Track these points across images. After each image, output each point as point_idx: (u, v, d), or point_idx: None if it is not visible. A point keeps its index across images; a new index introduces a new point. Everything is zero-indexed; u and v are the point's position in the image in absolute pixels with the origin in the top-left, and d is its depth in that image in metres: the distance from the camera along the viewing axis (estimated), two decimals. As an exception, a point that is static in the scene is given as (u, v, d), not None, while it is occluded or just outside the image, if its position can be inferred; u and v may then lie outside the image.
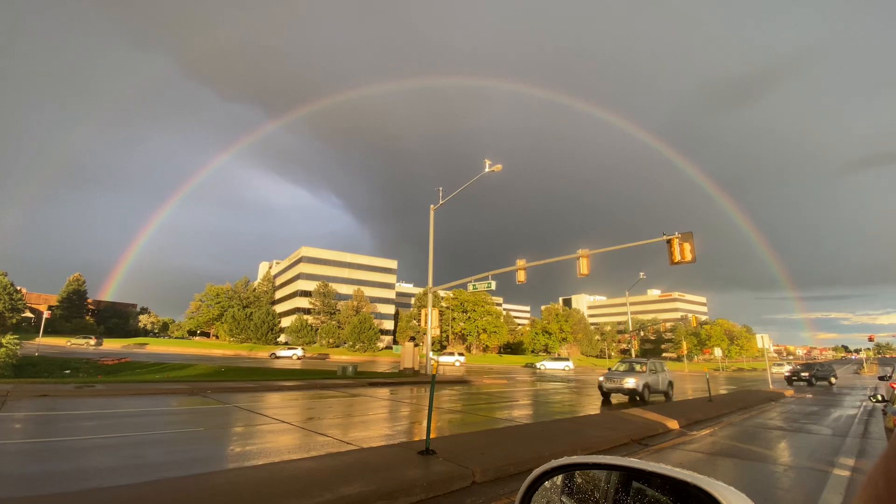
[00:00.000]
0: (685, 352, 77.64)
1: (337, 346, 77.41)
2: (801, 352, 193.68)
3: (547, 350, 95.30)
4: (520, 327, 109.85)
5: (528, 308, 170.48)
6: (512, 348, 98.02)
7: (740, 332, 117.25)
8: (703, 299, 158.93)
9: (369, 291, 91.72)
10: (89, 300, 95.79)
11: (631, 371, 19.73)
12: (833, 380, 34.38)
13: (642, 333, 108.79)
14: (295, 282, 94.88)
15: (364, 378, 23.36)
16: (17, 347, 18.89)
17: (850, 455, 8.97)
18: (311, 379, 21.61)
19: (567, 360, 58.15)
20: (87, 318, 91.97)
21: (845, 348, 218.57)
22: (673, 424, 11.61)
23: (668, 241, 19.90)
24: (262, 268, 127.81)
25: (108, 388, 14.55)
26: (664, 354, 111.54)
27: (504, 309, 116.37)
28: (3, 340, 18.46)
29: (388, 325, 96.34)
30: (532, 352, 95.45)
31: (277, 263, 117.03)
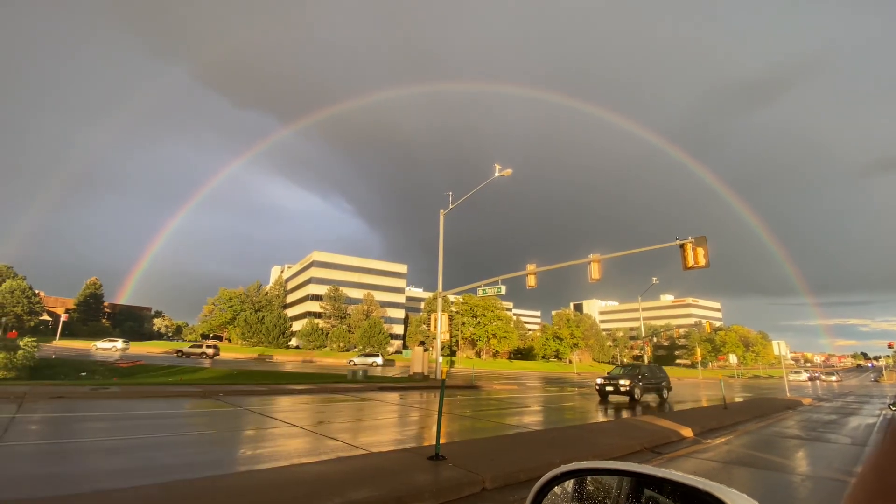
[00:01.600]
0: (699, 358, 76.50)
1: (347, 350, 77.68)
2: (818, 359, 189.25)
3: (558, 356, 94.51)
4: (530, 333, 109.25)
5: (538, 313, 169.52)
6: (522, 354, 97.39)
7: (756, 339, 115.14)
8: (717, 305, 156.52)
9: (379, 296, 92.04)
10: (105, 303, 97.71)
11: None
12: (665, 394, 22.76)
13: (655, 339, 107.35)
14: (306, 286, 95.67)
15: (374, 382, 23.38)
16: (35, 350, 19.28)
17: (872, 466, 8.69)
18: (321, 383, 21.70)
19: (377, 355, 56.29)
20: (104, 320, 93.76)
21: (864, 355, 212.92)
22: (687, 432, 11.40)
23: (681, 246, 19.65)
24: (274, 272, 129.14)
25: (122, 391, 14.77)
26: (678, 361, 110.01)
27: (514, 314, 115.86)
28: (21, 343, 18.86)
29: (398, 329, 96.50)
30: (543, 357, 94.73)
31: (289, 268, 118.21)
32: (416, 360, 28.88)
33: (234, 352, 64.36)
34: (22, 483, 5.68)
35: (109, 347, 51.08)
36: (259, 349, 72.41)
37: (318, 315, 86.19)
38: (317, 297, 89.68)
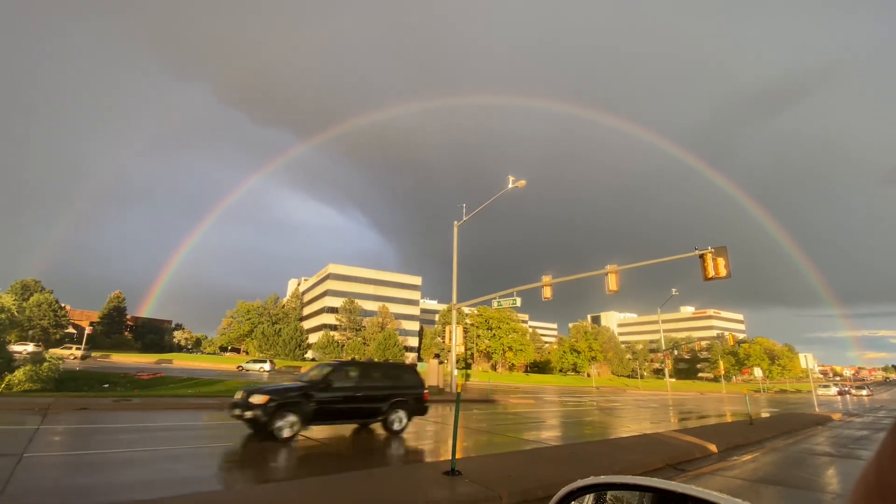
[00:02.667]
0: (722, 372, 74.35)
1: (362, 363, 77.77)
2: (848, 372, 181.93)
3: (576, 369, 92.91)
4: (547, 345, 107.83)
5: (555, 325, 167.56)
6: (539, 367, 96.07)
7: (781, 352, 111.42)
8: (739, 317, 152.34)
9: (394, 308, 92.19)
10: (128, 316, 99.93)
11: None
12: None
13: (676, 353, 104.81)
14: (322, 298, 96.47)
15: (389, 395, 23.29)
16: (60, 362, 19.81)
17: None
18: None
19: (265, 361, 54.07)
20: (126, 333, 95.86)
21: (895, 368, 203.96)
22: (711, 448, 11.06)
23: (701, 256, 19.30)
24: (291, 285, 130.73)
25: (143, 402, 15.03)
26: (700, 375, 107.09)
27: (530, 326, 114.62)
28: (47, 355, 19.41)
29: (413, 341, 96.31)
30: (560, 371, 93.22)
31: (305, 280, 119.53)
32: (430, 372, 28.73)
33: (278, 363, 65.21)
34: (47, 494, 5.81)
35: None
36: (276, 362, 73.01)
37: (333, 327, 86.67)
38: (332, 310, 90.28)
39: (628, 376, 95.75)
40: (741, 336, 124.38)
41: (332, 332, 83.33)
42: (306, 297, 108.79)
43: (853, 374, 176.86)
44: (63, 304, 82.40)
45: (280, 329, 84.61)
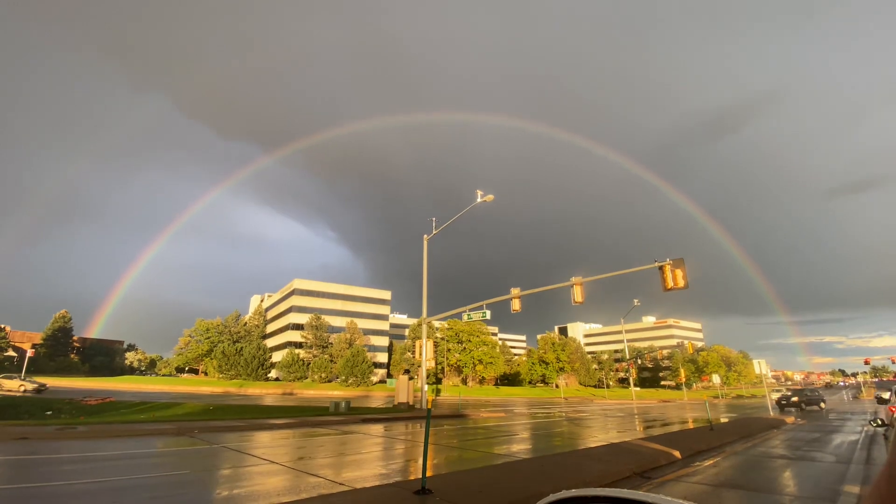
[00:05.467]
0: (683, 379, 76.91)
1: (329, 381, 75.63)
2: (798, 377, 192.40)
3: (545, 381, 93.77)
4: (516, 357, 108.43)
5: (523, 337, 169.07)
6: (509, 379, 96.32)
7: (737, 358, 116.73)
8: (698, 325, 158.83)
9: (363, 323, 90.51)
10: (75, 337, 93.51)
11: None
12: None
13: (639, 362, 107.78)
14: (287, 315, 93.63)
15: (357, 414, 22.74)
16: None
17: (856, 482, 8.78)
18: (303, 416, 20.99)
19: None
20: (72, 356, 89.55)
21: (842, 372, 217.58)
22: (676, 455, 11.35)
23: (661, 268, 20.06)
24: (254, 301, 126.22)
25: (90, 430, 13.99)
26: (663, 382, 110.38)
27: (500, 339, 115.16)
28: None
29: (382, 357, 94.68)
30: (529, 382, 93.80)
31: (269, 297, 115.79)
32: (400, 389, 28.28)
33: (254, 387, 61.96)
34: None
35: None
36: (238, 382, 69.99)
37: (299, 345, 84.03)
38: (298, 327, 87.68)
39: (595, 386, 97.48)
40: (700, 344, 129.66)
41: (297, 350, 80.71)
42: (270, 314, 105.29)
43: (803, 379, 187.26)
44: (2, 326, 76.40)
45: (242, 348, 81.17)
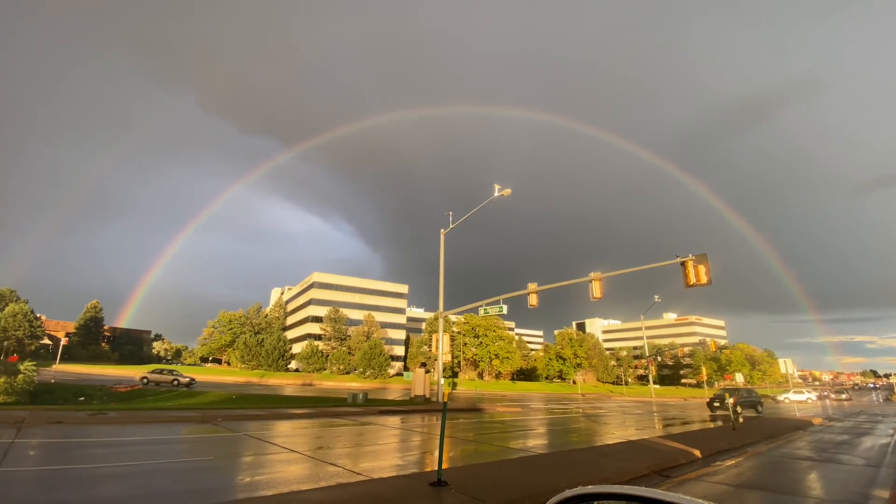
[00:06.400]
0: (705, 377, 75.30)
1: (347, 373, 76.77)
2: (826, 377, 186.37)
3: (561, 376, 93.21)
4: (533, 353, 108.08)
5: (540, 333, 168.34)
6: (525, 374, 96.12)
7: (762, 357, 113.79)
8: (721, 323, 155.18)
9: (380, 317, 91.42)
10: (105, 327, 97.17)
11: None
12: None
13: (659, 359, 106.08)
14: (306, 307, 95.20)
15: (374, 406, 23.04)
16: (35, 374, 19.11)
17: (886, 486, 8.49)
18: (322, 406, 21.38)
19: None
20: (103, 344, 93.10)
21: (874, 373, 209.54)
22: (696, 454, 11.16)
23: (682, 264, 19.64)
24: (275, 294, 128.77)
25: (120, 416, 14.55)
26: (683, 380, 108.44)
27: (517, 334, 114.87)
28: (21, 367, 18.70)
29: (399, 350, 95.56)
30: (546, 378, 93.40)
31: (289, 289, 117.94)
32: (417, 382, 28.50)
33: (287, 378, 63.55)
34: (15, 513, 5.55)
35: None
36: (259, 372, 71.63)
37: (318, 337, 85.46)
38: (317, 319, 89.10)
39: (613, 383, 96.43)
40: (723, 342, 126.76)
41: (316, 342, 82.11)
42: (290, 307, 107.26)
43: (832, 379, 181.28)
44: (39, 315, 79.85)
45: (263, 339, 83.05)
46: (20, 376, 17.76)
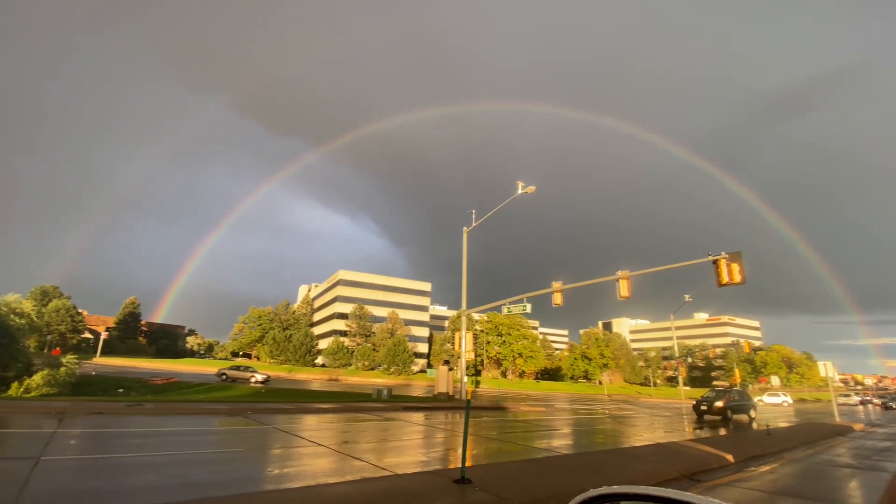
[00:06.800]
0: (738, 380, 72.66)
1: (372, 369, 77.77)
2: (869, 381, 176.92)
3: (587, 377, 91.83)
4: (557, 352, 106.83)
5: (565, 332, 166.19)
6: (550, 374, 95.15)
7: (800, 360, 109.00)
8: (755, 323, 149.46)
9: (403, 314, 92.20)
10: (143, 322, 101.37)
11: None
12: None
13: (690, 360, 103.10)
14: (332, 304, 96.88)
15: (399, 402, 23.27)
16: (76, 366, 20.16)
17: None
18: (347, 402, 21.75)
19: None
20: (140, 338, 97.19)
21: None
22: (728, 458, 10.81)
23: (715, 262, 19.02)
24: (302, 290, 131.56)
25: (156, 408, 15.19)
26: (715, 382, 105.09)
27: (541, 333, 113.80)
28: (64, 360, 19.77)
29: (423, 347, 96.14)
30: (571, 378, 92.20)
31: (316, 286, 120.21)
32: (440, 379, 28.62)
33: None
34: (63, 497, 5.88)
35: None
36: (287, 367, 73.40)
37: (343, 333, 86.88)
38: (342, 316, 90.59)
39: (641, 384, 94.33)
40: (757, 343, 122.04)
41: (342, 338, 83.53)
42: (317, 303, 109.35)
43: (875, 383, 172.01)
44: (80, 310, 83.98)
45: (291, 335, 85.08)
46: (62, 369, 18.77)
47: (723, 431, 17.21)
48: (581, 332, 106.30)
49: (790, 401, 56.67)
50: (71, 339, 76.32)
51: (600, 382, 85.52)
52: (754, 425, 22.11)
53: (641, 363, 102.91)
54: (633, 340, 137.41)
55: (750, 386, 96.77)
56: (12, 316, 18.98)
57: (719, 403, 24.02)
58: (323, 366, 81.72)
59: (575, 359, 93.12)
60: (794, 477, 9.76)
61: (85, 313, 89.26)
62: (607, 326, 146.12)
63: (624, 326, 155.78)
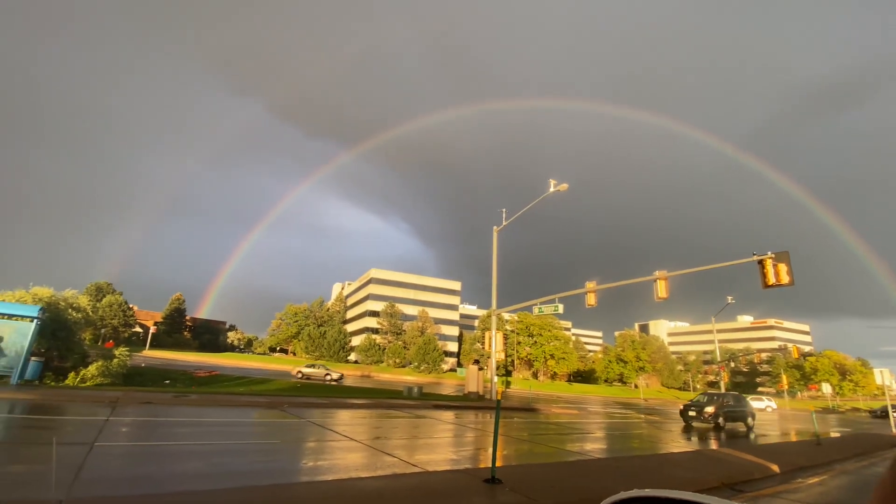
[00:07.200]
0: (786, 387, 68.97)
1: (403, 367, 78.65)
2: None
3: (622, 380, 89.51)
4: (591, 354, 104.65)
5: (599, 334, 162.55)
6: (583, 377, 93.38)
7: (854, 367, 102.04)
8: (805, 327, 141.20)
9: (434, 313, 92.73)
10: (187, 317, 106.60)
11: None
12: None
13: (732, 365, 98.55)
14: (364, 302, 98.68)
15: (429, 400, 23.45)
16: (128, 358, 21.43)
17: None
18: (379, 398, 22.12)
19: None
20: (185, 333, 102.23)
21: None
22: (773, 469, 10.30)
23: (760, 262, 18.13)
24: (335, 288, 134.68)
25: (200, 399, 15.96)
26: (760, 389, 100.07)
27: (573, 334, 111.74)
28: (116, 352, 21.05)
29: (453, 346, 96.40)
30: (605, 381, 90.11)
31: (349, 284, 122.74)
32: (470, 378, 28.62)
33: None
34: (116, 481, 6.29)
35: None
36: (322, 363, 75.23)
37: (375, 331, 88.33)
38: (374, 314, 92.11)
39: (680, 388, 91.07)
40: (807, 348, 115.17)
41: (373, 336, 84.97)
42: (350, 301, 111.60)
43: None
44: (131, 306, 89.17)
45: (325, 332, 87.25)
46: (115, 360, 19.97)
47: (713, 442, 16.20)
48: (616, 333, 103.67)
49: (774, 406, 54.73)
50: (123, 333, 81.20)
51: (636, 386, 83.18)
52: (752, 436, 20.17)
53: (680, 367, 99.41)
54: (672, 343, 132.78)
55: (799, 394, 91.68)
56: (70, 310, 20.35)
57: (710, 409, 21.59)
58: (356, 362, 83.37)
59: (609, 361, 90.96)
60: (845, 490, 9.19)
61: (135, 308, 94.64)
62: (644, 328, 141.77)
63: (662, 329, 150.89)
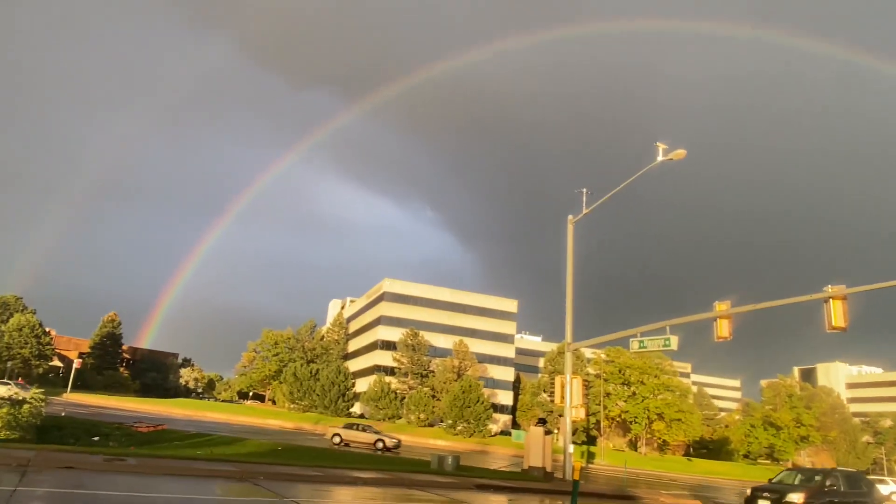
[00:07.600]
0: None
1: (430, 425, 79.10)
2: None
3: (772, 455, 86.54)
4: (723, 414, 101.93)
5: (736, 383, 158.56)
6: (709, 448, 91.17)
7: None
8: None
9: (477, 346, 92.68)
10: (124, 347, 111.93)
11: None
12: None
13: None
14: (374, 328, 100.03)
15: (470, 476, 23.48)
16: (43, 405, 22.65)
17: None
18: (395, 471, 22.37)
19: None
20: (121, 369, 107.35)
21: None
22: None
23: None
24: (333, 307, 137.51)
25: (140, 464, 16.71)
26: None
27: (694, 383, 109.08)
28: (28, 396, 22.29)
29: (505, 397, 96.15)
30: (745, 456, 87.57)
31: (352, 302, 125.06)
32: (533, 446, 28.42)
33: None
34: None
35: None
36: (313, 416, 76.98)
37: (390, 371, 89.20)
38: (388, 346, 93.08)
39: (866, 471, 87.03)
40: None
41: (387, 378, 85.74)
42: (353, 326, 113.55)
43: None
44: (48, 329, 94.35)
45: (317, 370, 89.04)
46: (26, 406, 21.10)
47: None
48: (763, 383, 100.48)
49: None
50: (36, 367, 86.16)
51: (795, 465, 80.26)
52: None
53: (867, 437, 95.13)
54: (853, 400, 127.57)
55: None
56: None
57: (798, 498, 19.60)
58: (361, 416, 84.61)
59: (752, 426, 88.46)
60: None
61: (53, 333, 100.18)
62: (807, 376, 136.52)
63: (837, 376, 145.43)
